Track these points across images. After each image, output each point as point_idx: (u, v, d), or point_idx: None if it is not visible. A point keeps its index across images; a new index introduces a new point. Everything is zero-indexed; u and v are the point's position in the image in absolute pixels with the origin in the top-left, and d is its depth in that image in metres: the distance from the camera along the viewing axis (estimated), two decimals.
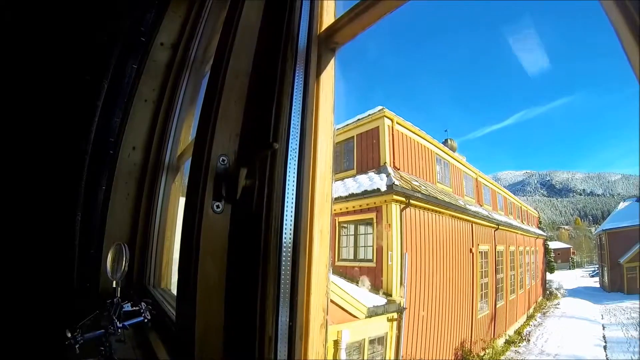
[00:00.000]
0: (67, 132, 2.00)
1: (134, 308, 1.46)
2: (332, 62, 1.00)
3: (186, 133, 1.82)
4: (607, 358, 12.66)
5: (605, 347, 13.54)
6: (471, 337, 11.31)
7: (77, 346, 1.14)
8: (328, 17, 1.06)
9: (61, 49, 1.95)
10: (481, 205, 14.79)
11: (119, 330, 1.28)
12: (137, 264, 1.74)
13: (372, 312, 7.47)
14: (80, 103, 2.02)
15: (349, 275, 8.96)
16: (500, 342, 13.38)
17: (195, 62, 1.80)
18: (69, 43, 1.97)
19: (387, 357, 7.93)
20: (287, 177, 0.84)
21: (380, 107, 9.95)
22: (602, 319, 18.41)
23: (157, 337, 1.41)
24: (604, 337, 14.94)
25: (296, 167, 0.86)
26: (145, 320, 1.43)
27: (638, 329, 15.32)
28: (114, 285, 1.50)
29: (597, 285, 32.26)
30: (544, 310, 20.34)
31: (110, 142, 1.95)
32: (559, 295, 25.49)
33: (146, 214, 1.80)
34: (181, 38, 1.84)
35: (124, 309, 1.42)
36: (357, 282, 8.59)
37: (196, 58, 1.79)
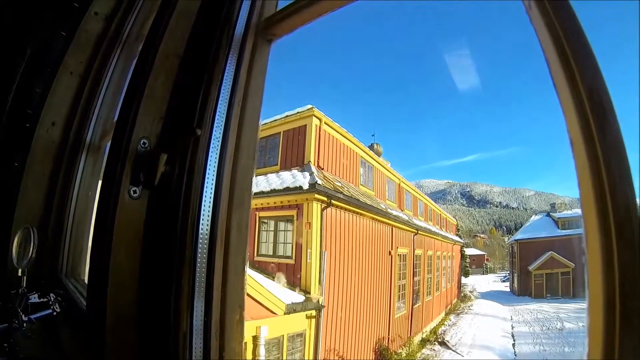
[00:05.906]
0: None
1: (42, 299, 1.34)
2: (267, 53, 0.98)
3: (111, 113, 1.68)
4: (514, 350, 14.35)
5: (513, 345, 15.35)
6: (389, 335, 11.79)
7: None
8: (269, 8, 1.04)
9: None
10: (402, 210, 15.25)
11: (25, 324, 1.17)
12: (49, 251, 1.59)
13: (291, 309, 7.47)
14: None
15: (268, 270, 8.93)
16: (417, 340, 14.22)
17: (129, 38, 1.66)
18: None
19: (306, 354, 8.02)
20: (208, 166, 0.81)
21: (309, 106, 9.88)
22: (512, 318, 20.82)
23: (67, 331, 1.30)
24: (512, 334, 17.00)
25: (218, 156, 0.83)
26: (55, 313, 1.32)
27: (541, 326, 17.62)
28: (20, 274, 1.37)
29: (508, 289, 35.98)
30: (458, 311, 22.11)
31: (28, 114, 1.75)
32: (472, 297, 27.89)
33: (62, 197, 1.64)
34: (117, 10, 1.70)
35: (30, 301, 1.29)
36: (275, 278, 8.58)
37: (130, 34, 1.66)
